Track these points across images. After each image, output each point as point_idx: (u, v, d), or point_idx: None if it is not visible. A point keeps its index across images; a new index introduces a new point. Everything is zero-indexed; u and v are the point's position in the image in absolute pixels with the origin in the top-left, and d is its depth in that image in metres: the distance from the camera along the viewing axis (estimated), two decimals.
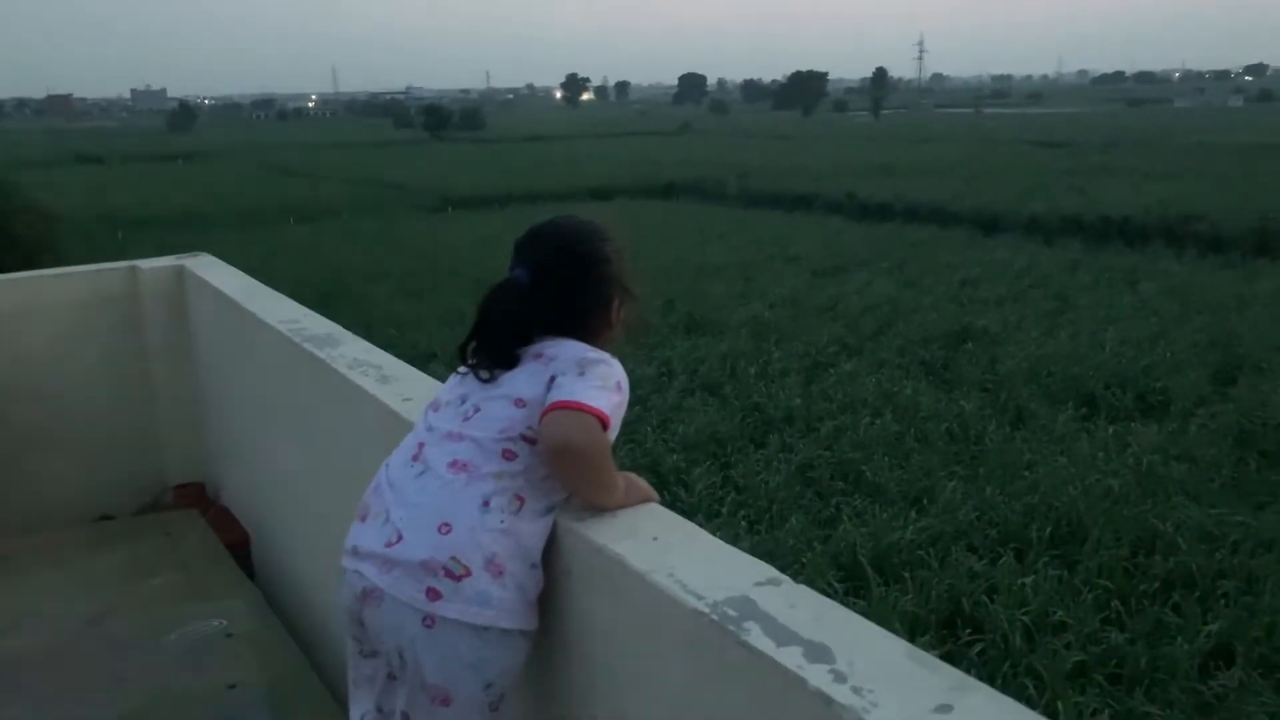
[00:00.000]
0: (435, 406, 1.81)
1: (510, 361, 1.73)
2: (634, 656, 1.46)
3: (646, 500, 1.70)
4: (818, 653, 1.13)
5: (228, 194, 31.85)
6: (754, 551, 1.55)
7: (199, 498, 4.14)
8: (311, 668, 2.85)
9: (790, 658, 1.13)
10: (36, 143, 67.33)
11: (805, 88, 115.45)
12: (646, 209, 27.33)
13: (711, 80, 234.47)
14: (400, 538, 1.63)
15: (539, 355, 1.72)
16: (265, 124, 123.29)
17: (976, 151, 41.97)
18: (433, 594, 1.58)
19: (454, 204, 29.55)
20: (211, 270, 4.04)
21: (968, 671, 1.14)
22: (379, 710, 1.77)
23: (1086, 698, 5.14)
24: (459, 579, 1.58)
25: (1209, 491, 7.48)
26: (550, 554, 1.66)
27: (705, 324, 13.31)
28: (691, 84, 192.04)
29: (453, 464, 1.66)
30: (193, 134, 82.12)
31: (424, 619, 1.58)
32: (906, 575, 6.34)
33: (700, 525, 1.58)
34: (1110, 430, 8.84)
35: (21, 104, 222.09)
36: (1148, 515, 6.94)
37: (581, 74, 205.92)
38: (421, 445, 1.73)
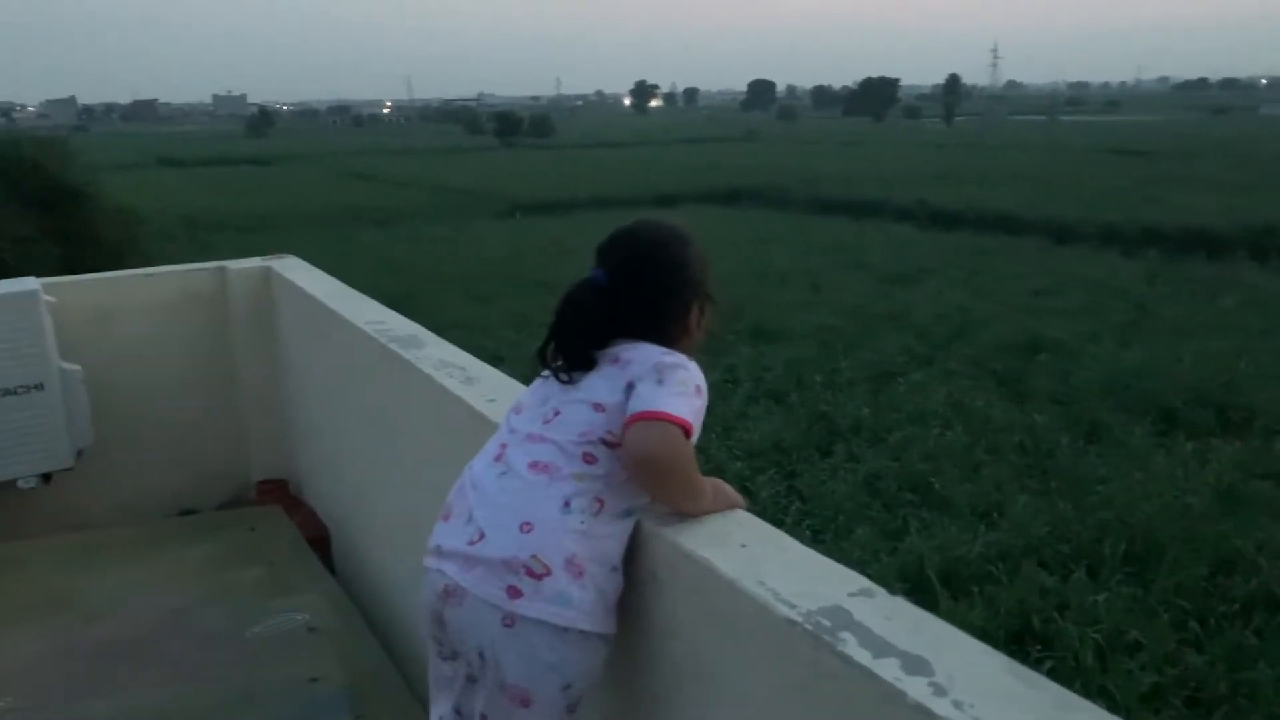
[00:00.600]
0: (518, 409, 1.82)
1: (586, 363, 1.74)
2: (721, 664, 1.46)
3: (733, 507, 1.70)
4: (916, 665, 1.12)
5: (303, 198, 32.50)
6: None
7: (282, 493, 4.23)
8: (391, 663, 2.91)
9: (888, 669, 1.12)
10: (122, 147, 69.35)
11: (876, 94, 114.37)
12: (712, 215, 27.27)
13: (781, 86, 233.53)
14: (482, 536, 1.64)
15: (616, 359, 1.72)
16: (341, 130, 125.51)
17: (1051, 159, 41.16)
18: (513, 592, 1.59)
19: (522, 209, 29.80)
20: (297, 272, 4.14)
21: None
22: (457, 713, 1.77)
23: None
24: (540, 578, 1.59)
25: None
26: (636, 558, 1.67)
27: (771, 331, 13.25)
28: (760, 90, 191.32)
29: (534, 465, 1.67)
30: (271, 139, 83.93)
31: (504, 618, 1.59)
32: (975, 589, 6.25)
33: None
34: (1189, 446, 8.61)
35: (109, 109, 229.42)
36: (1228, 534, 6.74)
37: (650, 81, 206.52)
38: (504, 446, 1.75)
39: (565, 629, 1.59)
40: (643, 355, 1.71)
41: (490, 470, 1.73)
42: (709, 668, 1.50)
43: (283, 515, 3.94)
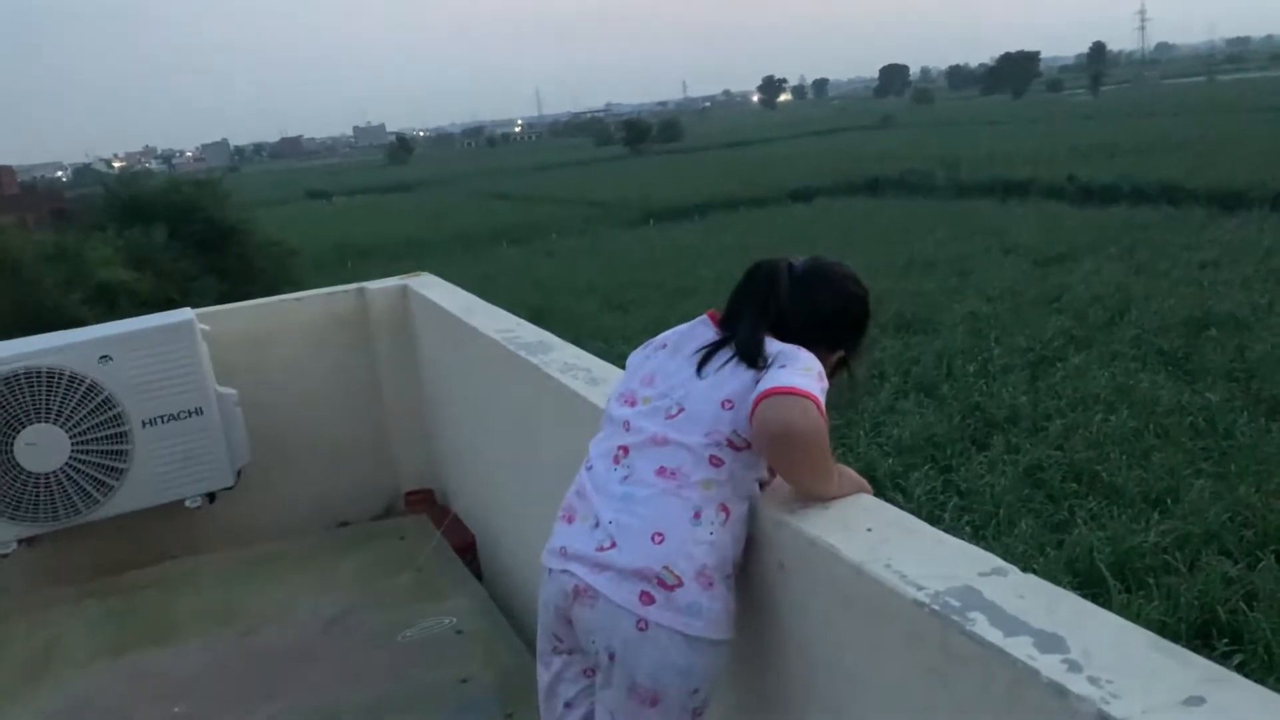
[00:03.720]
0: (629, 400, 1.78)
1: (751, 346, 1.68)
2: (851, 649, 1.41)
3: (859, 491, 1.65)
4: (1050, 643, 1.06)
5: (444, 221, 33.60)
6: None
7: (429, 503, 4.35)
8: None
9: (1020, 648, 1.06)
10: (272, 183, 73.33)
11: (1016, 69, 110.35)
12: (849, 207, 26.86)
13: (915, 69, 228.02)
14: (613, 544, 1.63)
15: None
16: (475, 151, 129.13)
17: (1211, 123, 38.79)
18: (646, 598, 1.58)
19: (655, 216, 29.98)
20: (432, 288, 4.26)
21: None
22: (568, 707, 1.81)
23: None
24: (671, 589, 1.58)
25: None
26: (763, 548, 1.65)
27: (917, 322, 12.94)
28: (893, 75, 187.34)
29: (661, 471, 1.65)
30: (410, 165, 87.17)
31: (638, 622, 1.58)
32: (1151, 581, 5.92)
33: None
34: None
35: (259, 148, 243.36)
36: None
37: (778, 75, 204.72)
38: (624, 448, 1.71)
39: (696, 638, 1.59)
40: (774, 348, 1.67)
41: (613, 474, 1.70)
42: (839, 654, 1.46)
43: (430, 524, 4.05)
